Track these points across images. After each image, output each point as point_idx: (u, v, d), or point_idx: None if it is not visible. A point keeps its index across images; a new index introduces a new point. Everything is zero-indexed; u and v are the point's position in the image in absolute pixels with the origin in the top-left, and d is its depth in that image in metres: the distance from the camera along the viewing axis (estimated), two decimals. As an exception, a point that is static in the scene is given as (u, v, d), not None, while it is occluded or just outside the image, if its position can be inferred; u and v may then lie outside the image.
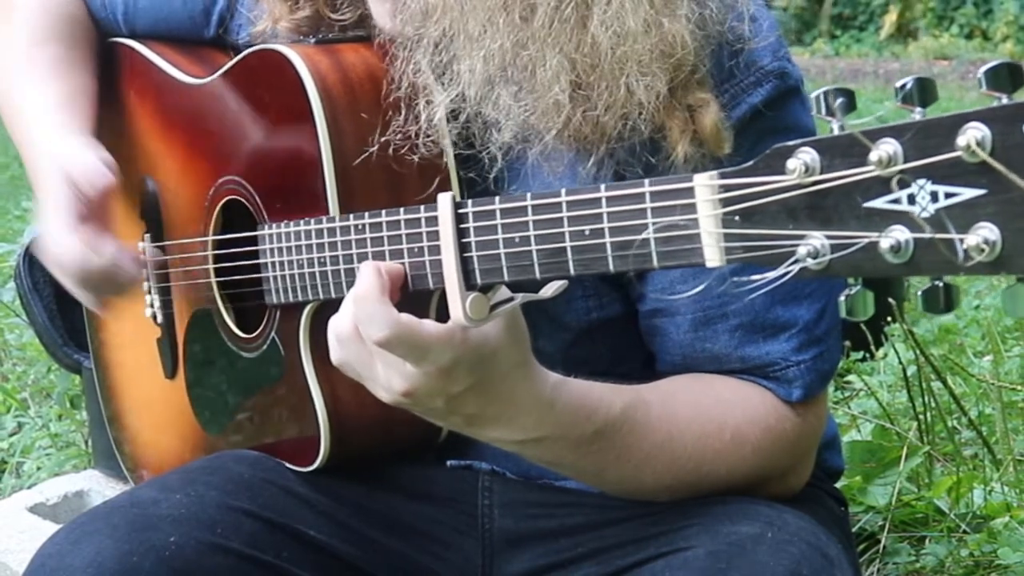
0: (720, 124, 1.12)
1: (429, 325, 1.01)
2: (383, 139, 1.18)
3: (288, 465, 1.30)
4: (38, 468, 2.47)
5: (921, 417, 2.05)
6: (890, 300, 1.91)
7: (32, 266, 1.95)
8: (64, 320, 1.95)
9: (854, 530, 1.83)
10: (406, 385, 1.03)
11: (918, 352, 2.04)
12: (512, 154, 1.16)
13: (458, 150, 1.17)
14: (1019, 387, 2.21)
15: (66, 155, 1.36)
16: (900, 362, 2.15)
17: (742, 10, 1.16)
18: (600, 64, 1.09)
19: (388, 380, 1.04)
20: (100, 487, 2.05)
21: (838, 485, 1.48)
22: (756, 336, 1.21)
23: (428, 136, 1.16)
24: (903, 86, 0.73)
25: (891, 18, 10.95)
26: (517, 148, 1.15)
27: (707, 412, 1.19)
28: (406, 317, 1.00)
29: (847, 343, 2.44)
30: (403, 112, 1.18)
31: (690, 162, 1.12)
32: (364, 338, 1.02)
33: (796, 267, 0.74)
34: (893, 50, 10.87)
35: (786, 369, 1.21)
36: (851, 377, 2.49)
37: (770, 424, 1.20)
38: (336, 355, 1.07)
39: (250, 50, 1.30)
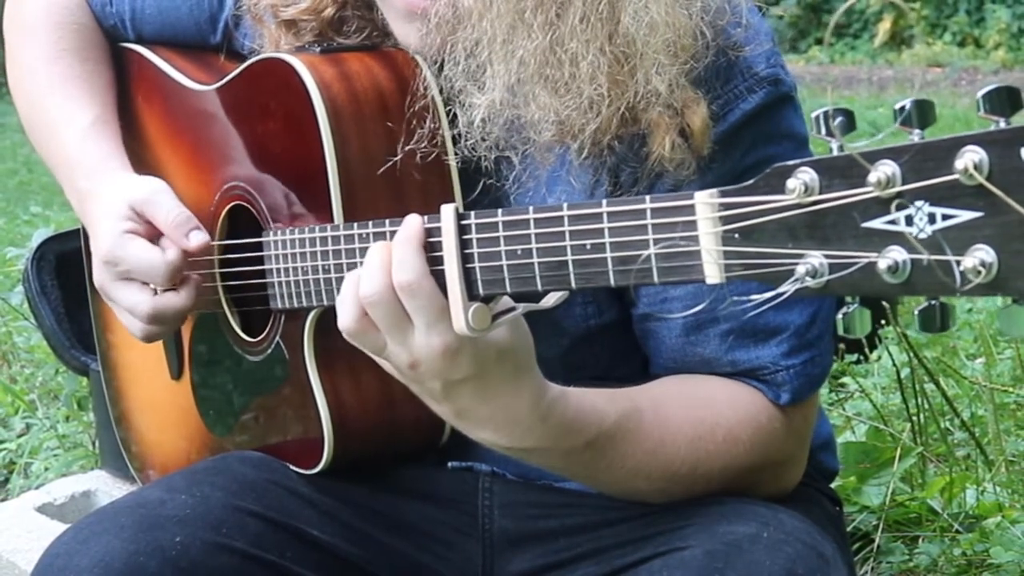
0: (708, 122, 1.12)
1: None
2: (408, 147, 1.18)
3: (292, 467, 1.30)
4: (46, 469, 2.47)
5: (914, 418, 2.05)
6: (884, 304, 1.91)
7: (40, 270, 1.95)
8: (72, 323, 1.95)
9: (848, 530, 1.83)
10: (411, 356, 1.03)
11: (911, 354, 2.04)
12: (513, 150, 1.16)
13: (495, 153, 1.16)
14: (1011, 389, 2.21)
15: (148, 201, 1.33)
16: (894, 364, 2.15)
17: (738, 17, 1.16)
18: (632, 56, 1.09)
19: (394, 348, 1.03)
20: (107, 487, 2.06)
21: (833, 485, 1.47)
22: (747, 341, 1.21)
23: (468, 139, 1.15)
24: (902, 108, 0.72)
25: (885, 26, 10.94)
26: (558, 147, 1.14)
27: (698, 414, 1.19)
28: (434, 280, 1.00)
29: (841, 346, 2.46)
30: (431, 119, 1.18)
31: (674, 159, 1.12)
32: (391, 284, 1.01)
33: (795, 286, 0.74)
34: (887, 57, 10.86)
35: (775, 373, 1.21)
36: (845, 379, 2.49)
37: (761, 423, 1.20)
38: (345, 318, 1.05)
39: (256, 58, 1.30)
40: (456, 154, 1.17)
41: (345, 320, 1.05)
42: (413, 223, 1.01)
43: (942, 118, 7.44)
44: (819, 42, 11.37)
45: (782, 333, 1.21)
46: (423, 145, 1.18)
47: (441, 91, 1.19)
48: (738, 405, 1.20)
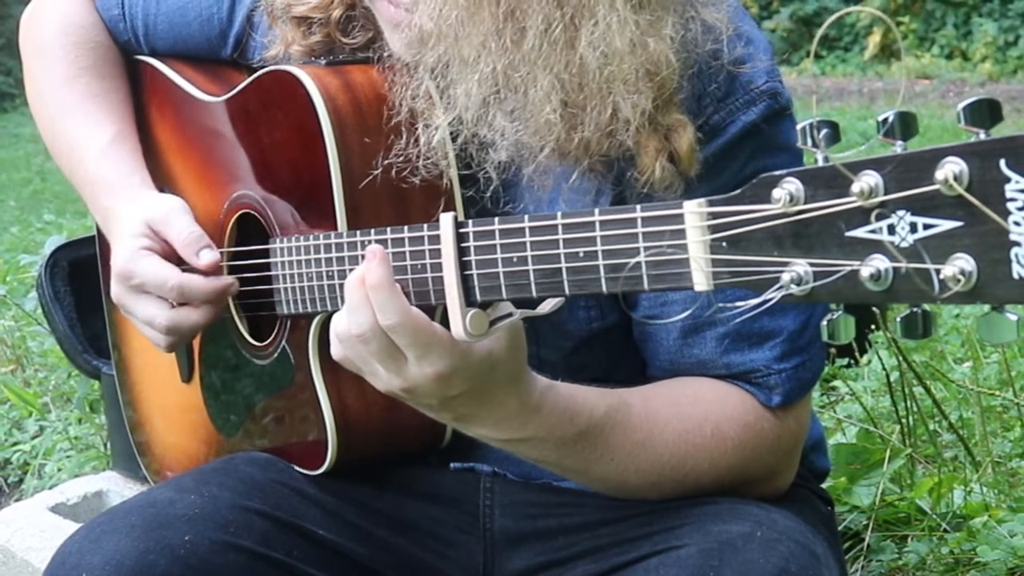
0: (694, 146, 1.13)
1: (439, 327, 1.02)
2: (386, 162, 1.19)
3: (297, 468, 1.30)
4: (59, 470, 2.47)
5: (904, 421, 2.05)
6: (874, 309, 1.91)
7: (53, 276, 1.96)
8: (84, 328, 1.96)
9: (840, 529, 1.82)
10: (405, 384, 1.05)
11: (901, 359, 2.03)
12: (508, 172, 1.16)
13: (460, 172, 1.18)
14: (997, 392, 2.20)
15: (166, 222, 1.33)
16: (883, 368, 2.15)
17: (738, 33, 1.16)
18: (588, 83, 1.09)
19: (389, 378, 1.06)
20: (118, 488, 2.06)
21: (824, 486, 1.47)
22: (742, 344, 1.21)
23: (428, 158, 1.16)
24: (885, 120, 0.72)
25: (875, 39, 10.95)
26: (512, 167, 1.15)
27: (687, 410, 1.19)
28: (416, 310, 1.02)
29: (832, 350, 2.45)
30: (404, 135, 1.19)
31: (663, 181, 1.13)
32: (377, 321, 1.03)
33: (780, 293, 0.74)
34: (877, 70, 10.86)
35: (768, 376, 1.21)
36: (836, 382, 2.49)
37: (749, 421, 1.21)
38: (337, 351, 1.08)
39: (263, 70, 1.30)
40: (416, 173, 1.18)
41: (337, 353, 1.08)
42: (376, 267, 1.02)
43: (931, 129, 7.45)
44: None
45: (776, 337, 1.21)
46: (424, 154, 1.18)
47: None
48: (727, 404, 1.21)
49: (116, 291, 1.37)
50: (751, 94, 1.18)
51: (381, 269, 1.02)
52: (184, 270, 1.33)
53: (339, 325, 1.06)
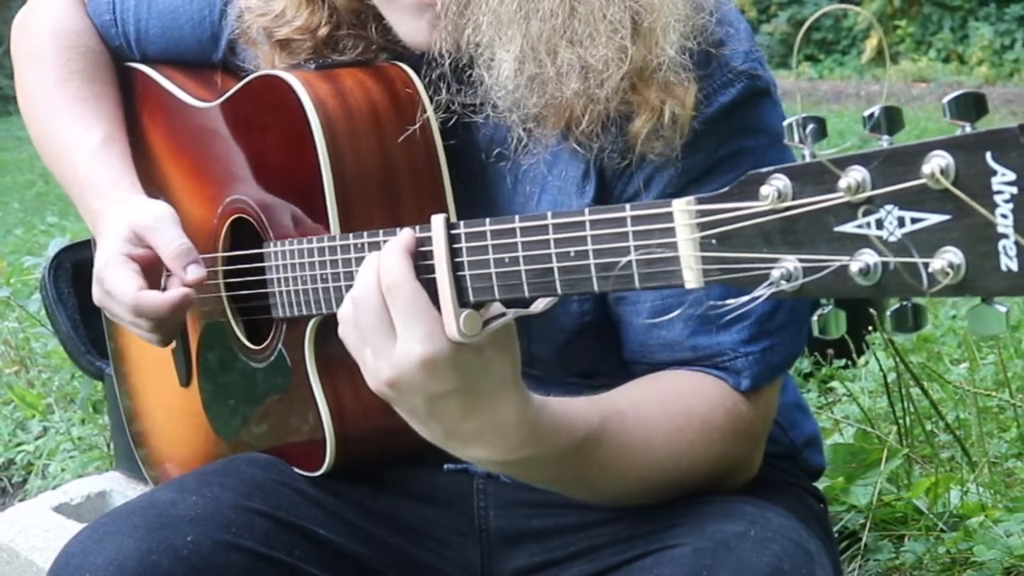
0: (696, 102, 1.12)
1: (435, 309, 0.99)
2: (425, 115, 1.17)
3: (296, 470, 1.30)
4: (62, 470, 2.48)
5: (901, 421, 2.04)
6: (871, 310, 1.90)
7: (57, 278, 1.96)
8: (87, 329, 1.96)
9: (837, 528, 1.82)
10: (391, 372, 1.00)
11: (898, 360, 2.03)
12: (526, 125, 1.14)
13: (521, 113, 1.14)
14: (993, 393, 2.20)
15: (149, 227, 1.32)
16: (881, 369, 2.14)
17: (719, 15, 1.16)
18: (652, 11, 1.08)
19: (376, 364, 1.01)
20: (121, 488, 2.06)
21: (822, 485, 1.47)
22: (709, 326, 1.19)
23: (499, 95, 1.13)
24: (871, 115, 0.72)
25: (872, 42, 10.95)
26: (584, 99, 1.11)
27: (673, 408, 1.18)
28: (418, 282, 0.99)
29: (830, 351, 2.45)
30: (450, 85, 1.15)
31: (663, 135, 1.12)
32: (378, 285, 1.00)
33: (770, 290, 0.74)
34: (874, 73, 10.86)
35: (735, 359, 1.20)
36: (834, 383, 2.49)
37: (728, 407, 1.19)
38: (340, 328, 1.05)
39: (253, 75, 1.30)
40: (486, 112, 1.15)
41: (340, 326, 1.04)
42: (403, 233, 1.01)
43: (927, 131, 7.45)
44: (808, 58, 11.38)
45: (744, 320, 1.19)
46: (496, 87, 1.14)
47: (439, 103, 1.18)
48: (706, 394, 1.20)
49: (96, 293, 1.36)
50: (728, 75, 1.16)
51: (400, 241, 1.00)
52: (166, 277, 1.33)
53: (344, 301, 1.03)
